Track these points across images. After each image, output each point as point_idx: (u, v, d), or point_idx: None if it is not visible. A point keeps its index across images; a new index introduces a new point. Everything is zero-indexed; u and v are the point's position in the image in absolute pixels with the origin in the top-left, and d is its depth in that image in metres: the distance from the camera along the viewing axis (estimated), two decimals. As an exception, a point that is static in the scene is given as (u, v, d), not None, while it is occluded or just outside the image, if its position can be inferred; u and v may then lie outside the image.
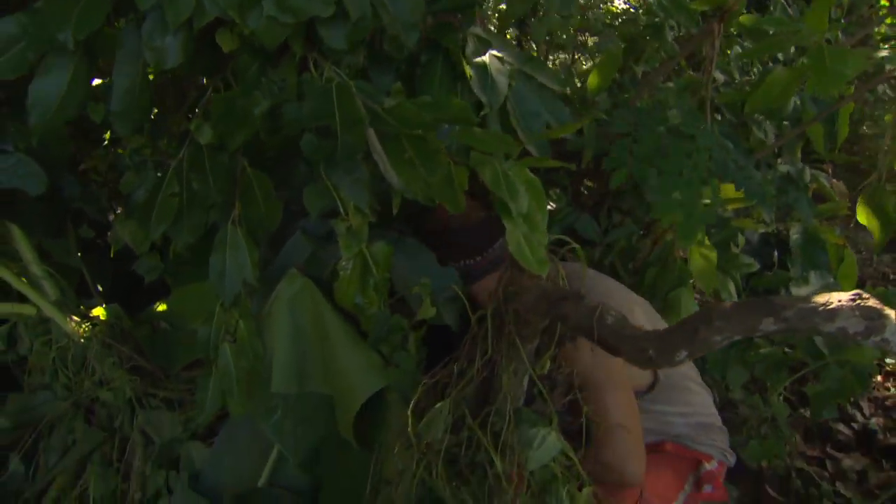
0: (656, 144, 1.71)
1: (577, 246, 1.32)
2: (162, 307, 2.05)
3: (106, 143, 2.10)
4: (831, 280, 2.37)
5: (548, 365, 1.31)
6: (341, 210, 1.52)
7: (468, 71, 1.52)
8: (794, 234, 2.49)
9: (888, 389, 2.88)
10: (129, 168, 1.86)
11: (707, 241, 1.87)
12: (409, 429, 1.37)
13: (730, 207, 2.09)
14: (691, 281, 2.07)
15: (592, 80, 2.13)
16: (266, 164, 1.65)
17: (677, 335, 0.95)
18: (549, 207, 2.09)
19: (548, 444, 1.33)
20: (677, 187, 1.54)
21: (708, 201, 1.66)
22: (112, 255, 1.98)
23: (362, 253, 1.53)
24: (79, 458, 1.87)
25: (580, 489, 1.36)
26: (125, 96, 1.42)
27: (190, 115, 1.92)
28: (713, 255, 1.88)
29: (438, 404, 1.33)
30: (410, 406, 1.39)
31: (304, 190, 1.62)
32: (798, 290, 2.37)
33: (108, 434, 1.88)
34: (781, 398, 2.49)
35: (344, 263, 1.53)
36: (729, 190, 1.87)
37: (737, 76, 2.34)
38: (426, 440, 1.34)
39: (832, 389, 2.04)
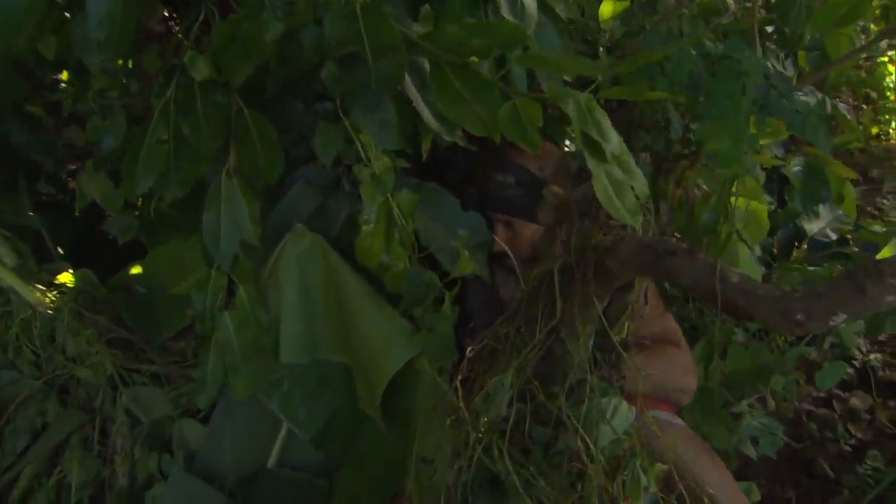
0: (691, 68, 1.56)
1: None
2: (136, 270, 1.82)
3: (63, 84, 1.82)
4: (840, 212, 2.28)
5: (626, 328, 1.15)
6: (362, 155, 1.32)
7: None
8: (795, 167, 2.38)
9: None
10: (95, 113, 1.61)
11: (759, 188, 1.73)
12: (460, 403, 1.19)
13: (763, 141, 1.94)
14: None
15: (605, 8, 1.94)
16: (261, 105, 1.42)
17: (838, 294, 0.80)
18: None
19: (619, 414, 1.18)
20: (727, 111, 1.39)
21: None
22: (77, 213, 1.73)
23: (387, 203, 1.34)
24: (53, 443, 1.65)
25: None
26: (106, 22, 1.17)
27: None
28: (764, 207, 1.73)
29: (498, 377, 1.16)
30: (458, 379, 1.22)
31: (316, 133, 1.41)
32: (809, 226, 2.27)
33: (88, 415, 1.66)
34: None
35: (366, 216, 1.33)
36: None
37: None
38: (484, 417, 1.17)
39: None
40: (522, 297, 1.23)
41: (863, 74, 4.63)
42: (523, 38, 1.12)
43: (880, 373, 2.59)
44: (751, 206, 1.75)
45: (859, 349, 2.67)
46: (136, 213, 1.73)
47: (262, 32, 1.18)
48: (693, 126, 1.87)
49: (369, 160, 1.31)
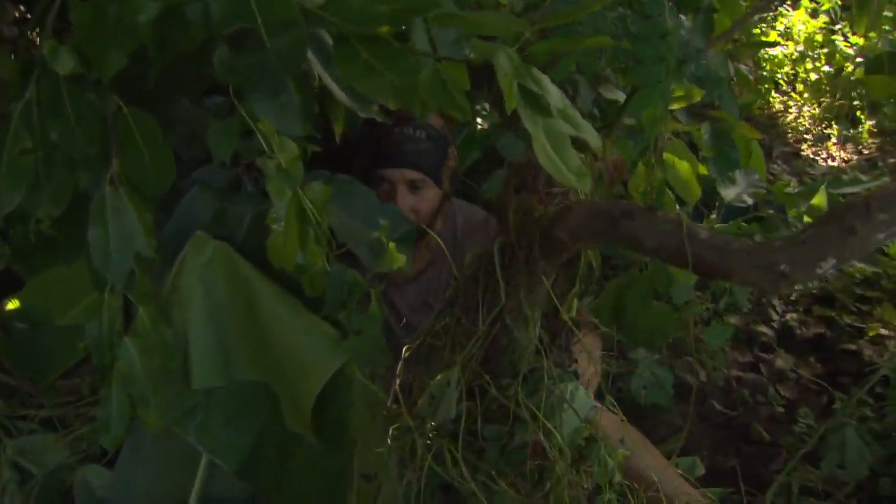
0: (609, 29, 1.49)
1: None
2: (13, 305, 1.61)
3: None
4: (755, 177, 2.29)
5: (575, 306, 1.06)
6: (264, 147, 1.18)
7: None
8: (704, 133, 2.37)
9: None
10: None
11: (684, 147, 1.67)
12: (402, 410, 1.08)
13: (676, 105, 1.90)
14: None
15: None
16: (143, 102, 1.26)
17: (824, 238, 0.73)
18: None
19: (578, 401, 1.09)
20: (659, 75, 1.33)
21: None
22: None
23: (298, 198, 1.20)
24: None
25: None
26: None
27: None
28: (687, 165, 1.68)
29: (442, 376, 1.05)
30: (396, 384, 1.10)
31: (208, 130, 1.26)
32: (725, 192, 2.27)
33: (-31, 476, 1.44)
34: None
35: (275, 215, 1.19)
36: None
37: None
38: (431, 422, 1.06)
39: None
40: (459, 286, 1.12)
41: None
42: (434, 2, 1.01)
43: (798, 331, 2.63)
44: (677, 165, 1.70)
45: (775, 310, 2.70)
46: (4, 239, 1.52)
47: (133, 13, 1.02)
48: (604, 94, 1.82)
49: (273, 152, 1.17)
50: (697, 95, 1.74)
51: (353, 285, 1.20)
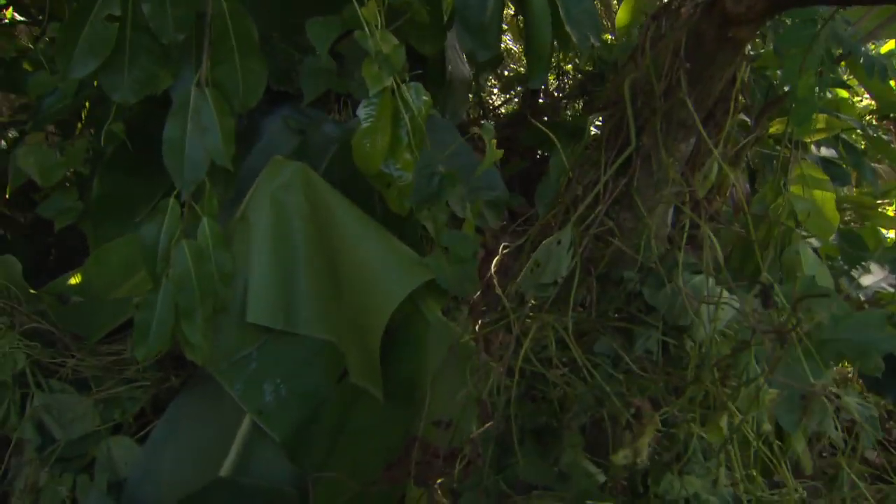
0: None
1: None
2: (75, 280, 1.48)
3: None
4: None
5: (714, 171, 0.86)
6: (366, 29, 1.06)
7: None
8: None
9: None
10: (41, 57, 1.38)
11: (821, 174, 1.45)
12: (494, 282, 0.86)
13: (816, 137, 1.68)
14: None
15: (621, 17, 1.83)
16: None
17: None
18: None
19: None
20: (804, 39, 1.16)
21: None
22: (8, 196, 1.44)
23: (394, 92, 1.06)
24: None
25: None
26: None
27: None
28: (830, 196, 1.44)
29: (552, 237, 0.84)
30: (496, 261, 0.90)
31: (308, 23, 1.17)
32: (863, 280, 2.00)
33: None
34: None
35: (367, 108, 1.05)
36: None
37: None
38: (532, 300, 0.83)
39: None
40: (575, 163, 0.94)
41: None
42: None
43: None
44: (813, 194, 1.48)
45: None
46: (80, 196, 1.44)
47: None
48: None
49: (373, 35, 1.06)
50: (837, 126, 1.57)
51: (444, 180, 1.02)
